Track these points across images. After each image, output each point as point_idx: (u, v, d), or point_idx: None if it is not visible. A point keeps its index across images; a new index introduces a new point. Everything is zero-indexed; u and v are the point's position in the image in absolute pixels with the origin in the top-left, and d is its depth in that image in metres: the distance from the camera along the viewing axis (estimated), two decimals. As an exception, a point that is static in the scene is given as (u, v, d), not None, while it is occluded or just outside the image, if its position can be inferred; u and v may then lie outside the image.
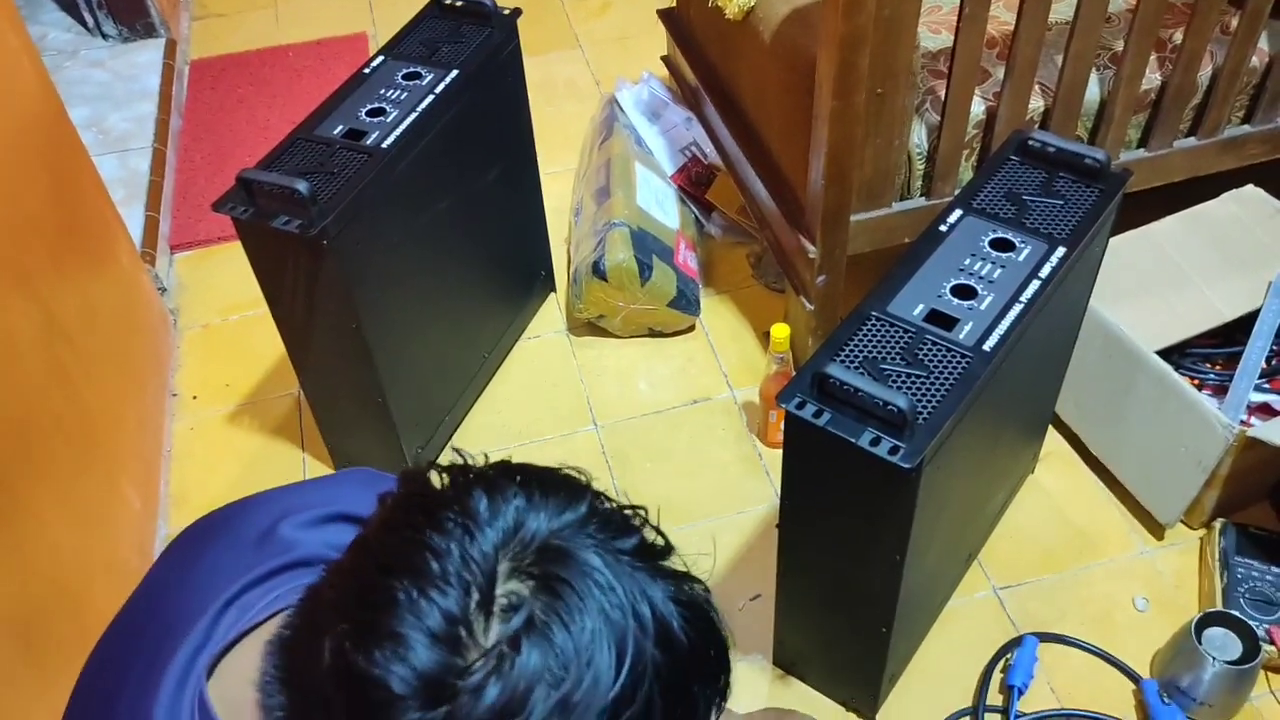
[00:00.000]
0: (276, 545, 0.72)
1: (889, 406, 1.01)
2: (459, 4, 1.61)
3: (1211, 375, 1.62)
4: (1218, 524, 1.52)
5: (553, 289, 2.00)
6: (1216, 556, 1.48)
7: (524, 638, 0.53)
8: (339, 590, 0.59)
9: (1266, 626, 1.40)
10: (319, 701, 0.57)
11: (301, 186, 1.28)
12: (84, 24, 2.59)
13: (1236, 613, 1.39)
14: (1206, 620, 1.38)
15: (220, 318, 2.03)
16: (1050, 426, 1.67)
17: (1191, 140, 1.70)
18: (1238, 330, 1.61)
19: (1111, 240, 1.39)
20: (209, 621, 0.67)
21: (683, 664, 0.58)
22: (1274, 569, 1.46)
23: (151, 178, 2.21)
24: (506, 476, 0.59)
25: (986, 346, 1.12)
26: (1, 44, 1.52)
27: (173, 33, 2.62)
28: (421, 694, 0.53)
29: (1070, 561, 1.56)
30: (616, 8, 2.73)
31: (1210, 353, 1.64)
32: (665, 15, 2.11)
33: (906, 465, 1.00)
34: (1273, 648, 1.38)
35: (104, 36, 2.59)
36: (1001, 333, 1.13)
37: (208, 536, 0.75)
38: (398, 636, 0.53)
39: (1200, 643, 1.35)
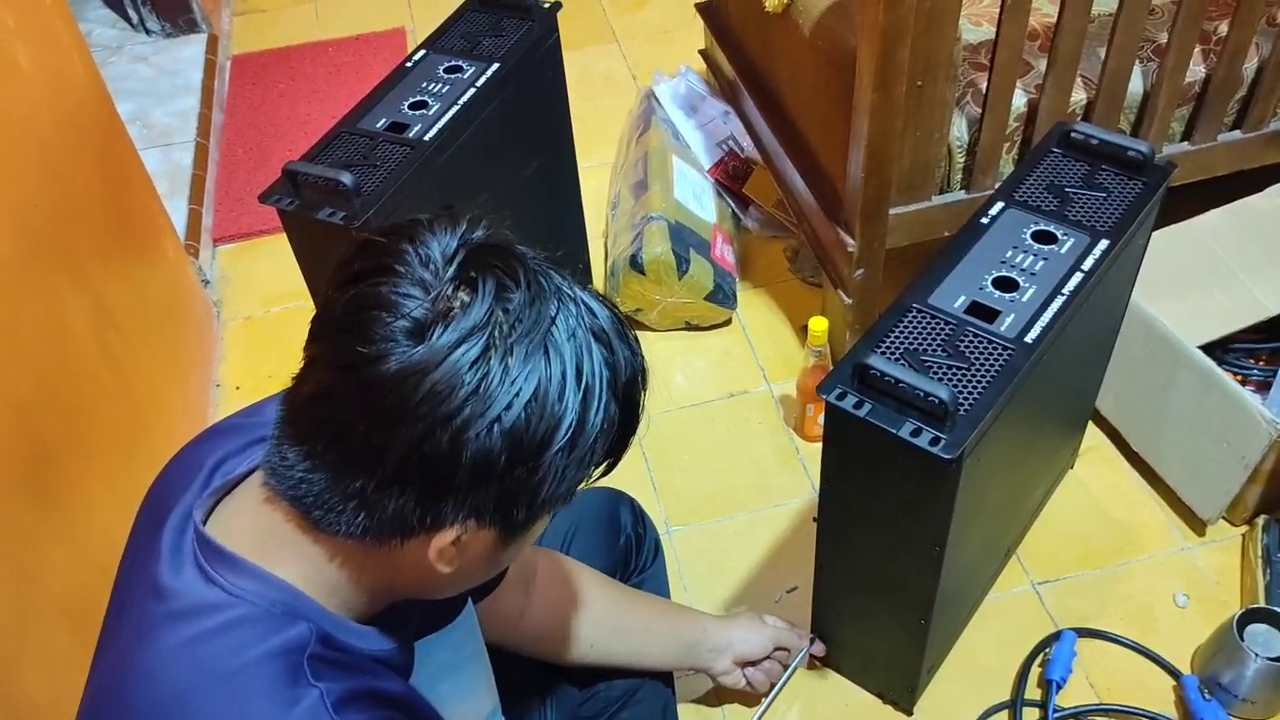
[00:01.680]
0: (258, 422, 0.81)
1: (930, 398, 1.01)
2: (500, -2, 1.62)
3: (1255, 371, 1.61)
4: (1260, 520, 1.50)
5: (590, 282, 2.01)
6: (1259, 553, 1.47)
7: (482, 286, 0.66)
8: (320, 334, 0.69)
9: (1310, 624, 1.39)
10: (328, 401, 0.67)
11: (345, 179, 1.29)
12: (128, 20, 2.63)
13: (1279, 609, 1.38)
14: (1248, 616, 1.37)
15: (262, 310, 2.06)
16: (1090, 421, 1.66)
17: (1236, 134, 1.68)
18: (1283, 325, 1.59)
19: (1154, 234, 1.37)
20: (199, 485, 0.76)
21: (606, 332, 0.71)
22: (1318, 566, 1.45)
23: (194, 171, 2.24)
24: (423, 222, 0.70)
25: (1028, 339, 1.11)
26: (55, 42, 1.55)
27: (215, 28, 2.66)
28: (407, 334, 0.64)
29: (1110, 557, 1.56)
30: (654, 2, 2.73)
31: (1254, 348, 1.63)
32: (703, 9, 2.12)
33: (947, 456, 1.00)
34: (1316, 645, 1.37)
35: (147, 32, 2.63)
36: (1043, 325, 1.13)
37: (201, 438, 0.85)
38: (380, 302, 0.64)
39: (1242, 639, 1.34)
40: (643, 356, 0.75)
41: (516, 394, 0.65)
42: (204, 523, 0.74)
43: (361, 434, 0.66)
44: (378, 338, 0.64)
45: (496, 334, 0.65)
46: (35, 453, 1.24)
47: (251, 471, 0.77)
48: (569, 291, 0.70)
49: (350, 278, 0.68)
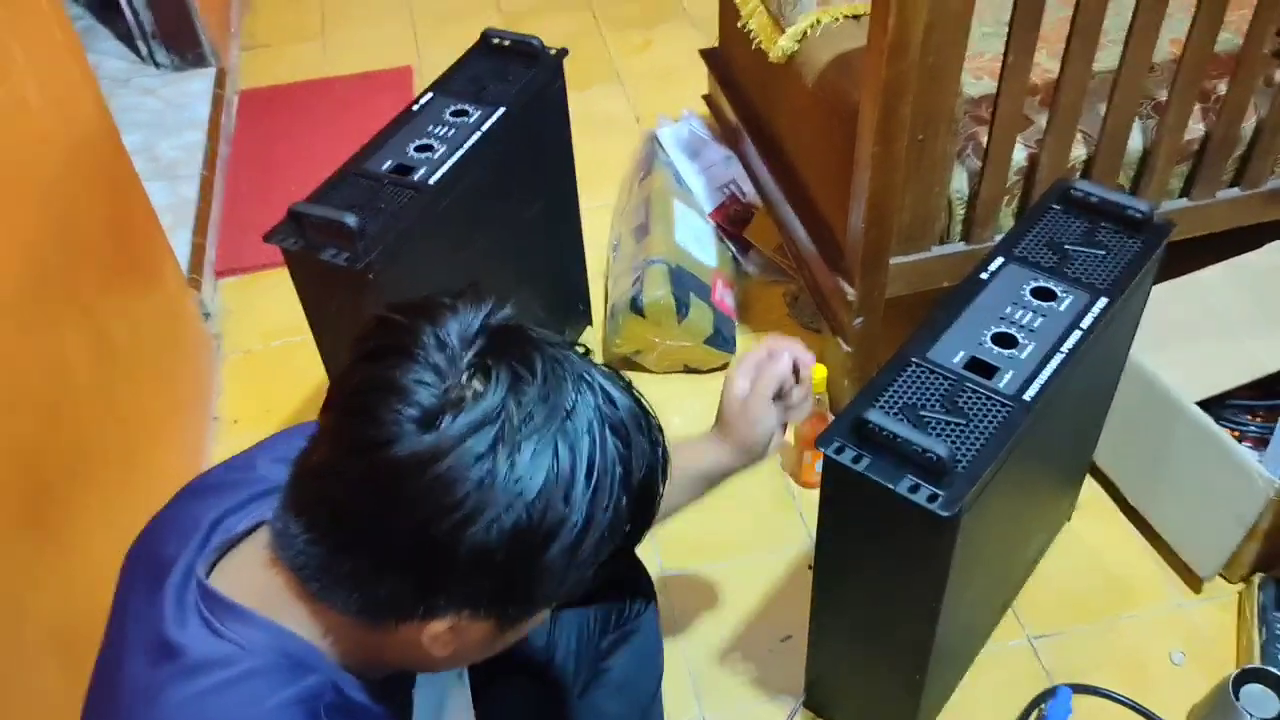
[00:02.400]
0: (252, 478, 0.81)
1: (928, 454, 1.02)
2: (507, 43, 1.63)
3: (1252, 427, 1.61)
4: (1257, 578, 1.50)
5: (589, 323, 2.02)
6: (1255, 612, 1.47)
7: (496, 376, 0.65)
8: (332, 407, 0.69)
9: (1306, 685, 1.38)
10: (332, 477, 0.67)
11: (350, 220, 1.30)
12: (137, 53, 2.65)
13: (1275, 670, 1.37)
14: (1244, 677, 1.36)
15: (262, 344, 2.06)
16: (1088, 474, 1.66)
17: (1235, 191, 1.69)
18: (1279, 382, 1.59)
19: (1152, 289, 1.38)
20: (198, 542, 0.75)
21: (625, 426, 0.69)
22: (1314, 626, 1.45)
23: (199, 204, 2.25)
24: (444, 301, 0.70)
25: (1027, 396, 1.12)
26: (64, 75, 1.57)
27: (223, 63, 2.68)
28: (416, 422, 0.63)
29: (1106, 612, 1.55)
30: (659, 45, 2.76)
31: (1251, 404, 1.63)
32: (708, 55, 2.14)
33: (945, 513, 1.00)
34: (1312, 707, 1.36)
35: (156, 65, 2.65)
36: (1042, 382, 1.13)
37: (187, 493, 0.84)
38: (391, 386, 0.64)
39: (1238, 699, 1.33)
40: (664, 446, 0.73)
41: (520, 492, 0.63)
42: (206, 579, 0.74)
43: (360, 516, 0.66)
44: (386, 422, 0.63)
45: (506, 427, 0.64)
46: (33, 484, 1.24)
47: (253, 528, 0.77)
48: (589, 380, 0.68)
49: (366, 354, 0.67)
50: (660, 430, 0.73)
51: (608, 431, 0.67)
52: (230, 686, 0.69)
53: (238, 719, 0.69)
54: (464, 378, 0.65)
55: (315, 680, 0.71)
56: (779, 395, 1.10)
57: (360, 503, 0.65)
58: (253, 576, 0.73)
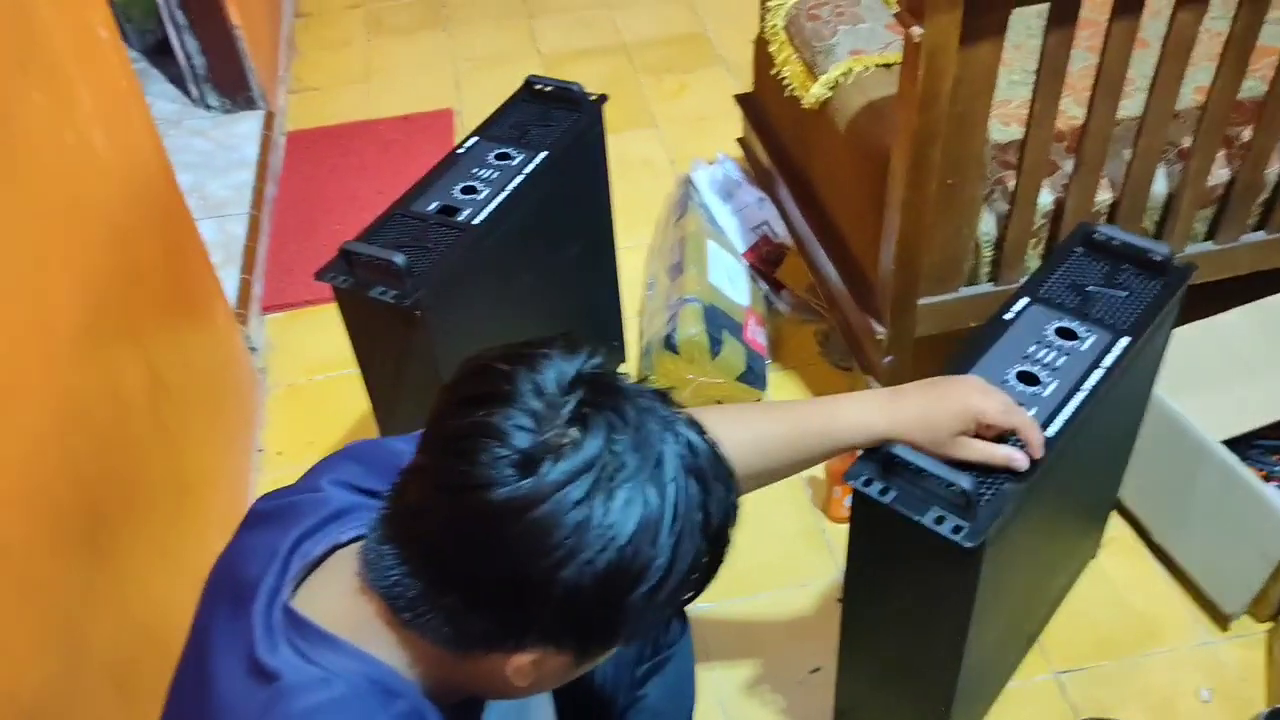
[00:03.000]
0: (320, 500, 0.84)
1: (953, 487, 1.05)
2: (549, 89, 1.70)
3: (1278, 467, 1.63)
4: (1284, 617, 1.52)
5: (623, 359, 2.07)
6: (1283, 650, 1.48)
7: (592, 424, 0.69)
8: (430, 448, 0.73)
9: (1334, 724, 1.39)
10: (429, 516, 0.70)
11: (399, 259, 1.36)
12: (189, 96, 2.75)
13: (1302, 709, 1.38)
14: (1274, 717, 1.37)
15: (306, 377, 2.13)
16: (1114, 512, 1.68)
17: (1260, 234, 1.72)
18: (1305, 423, 1.61)
19: (1176, 331, 1.41)
20: (279, 567, 0.78)
21: (705, 472, 0.73)
22: (1342, 665, 1.46)
23: (247, 242, 2.33)
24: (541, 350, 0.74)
25: (1050, 433, 1.15)
26: (128, 120, 1.65)
27: (271, 105, 2.77)
28: (515, 466, 0.67)
29: (1132, 648, 1.57)
30: (693, 90, 2.83)
31: (1277, 445, 1.65)
32: (742, 100, 2.20)
33: (969, 544, 1.03)
34: (1340, 746, 1.37)
35: (207, 108, 2.74)
36: (1064, 420, 1.16)
37: (259, 516, 0.88)
38: (491, 430, 0.68)
39: (1265, 737, 1.34)
40: (737, 492, 0.77)
41: (613, 537, 0.67)
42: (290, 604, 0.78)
43: (457, 555, 0.69)
44: (485, 465, 0.67)
45: (602, 475, 0.67)
46: (91, 515, 1.28)
47: (331, 550, 0.81)
48: (674, 429, 0.72)
49: (465, 399, 0.71)
50: (732, 475, 0.77)
51: (690, 479, 0.72)
52: (323, 712, 0.72)
53: None
54: (561, 424, 0.69)
55: (404, 706, 0.74)
56: (978, 434, 1.08)
57: (458, 542, 0.69)
58: (339, 602, 0.76)
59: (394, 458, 0.88)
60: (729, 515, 0.76)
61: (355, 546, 0.82)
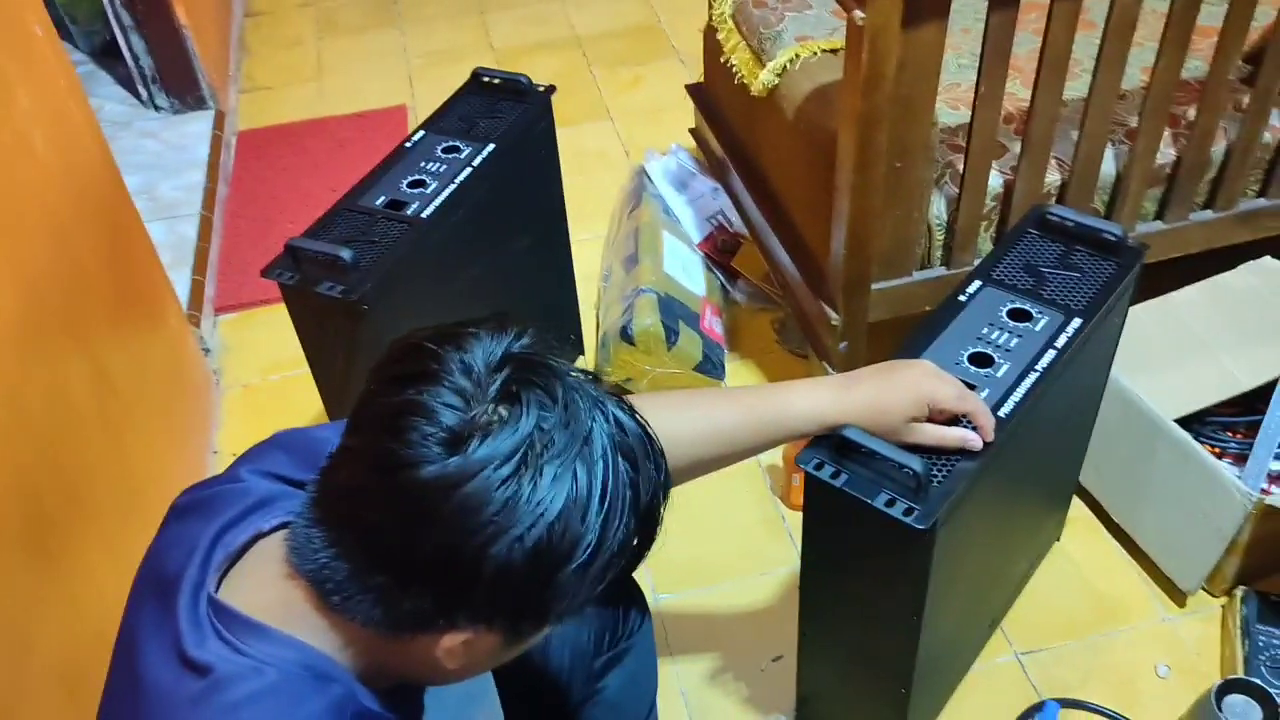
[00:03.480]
0: (241, 491, 0.83)
1: (904, 469, 1.05)
2: (496, 81, 1.68)
3: (1232, 444, 1.64)
4: (1239, 592, 1.53)
5: (581, 353, 2.06)
6: (1238, 624, 1.49)
7: (521, 402, 0.69)
8: (359, 429, 0.72)
9: (1289, 695, 1.40)
10: (359, 496, 0.70)
11: (345, 254, 1.34)
12: (138, 97, 2.71)
13: (1258, 680, 1.39)
14: (1227, 687, 1.38)
15: (260, 378, 2.10)
16: (1074, 494, 1.69)
17: (1208, 213, 1.74)
18: (1258, 399, 1.63)
19: (1131, 310, 1.42)
20: (201, 559, 0.77)
21: (634, 451, 0.73)
22: (1296, 637, 1.47)
23: (198, 243, 2.30)
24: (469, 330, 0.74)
25: (1002, 413, 1.15)
26: (68, 119, 1.61)
27: (221, 105, 2.74)
28: (443, 444, 0.66)
29: (1093, 628, 1.58)
30: (647, 82, 2.82)
31: (1230, 421, 1.66)
32: (693, 90, 2.19)
33: (920, 526, 1.03)
34: (1295, 716, 1.38)
35: (156, 108, 2.70)
36: (1017, 400, 1.16)
37: (179, 511, 0.87)
38: (419, 409, 0.67)
39: (1221, 709, 1.35)
40: (668, 473, 0.77)
41: (542, 514, 0.67)
42: (216, 595, 0.76)
43: (387, 534, 0.69)
44: (414, 443, 0.67)
45: (530, 453, 0.67)
46: (35, 517, 1.26)
47: (254, 539, 0.80)
48: (603, 407, 0.72)
49: (394, 378, 0.71)
50: (663, 455, 0.76)
51: (619, 457, 0.71)
52: (258, 700, 0.71)
53: None
54: (489, 403, 0.68)
55: (338, 690, 0.74)
56: (931, 418, 1.08)
57: (387, 521, 0.69)
58: (266, 590, 0.75)
59: (318, 445, 0.86)
60: (659, 494, 0.76)
61: (279, 534, 0.81)
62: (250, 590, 0.77)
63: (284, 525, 0.80)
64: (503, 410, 0.68)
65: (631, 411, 0.75)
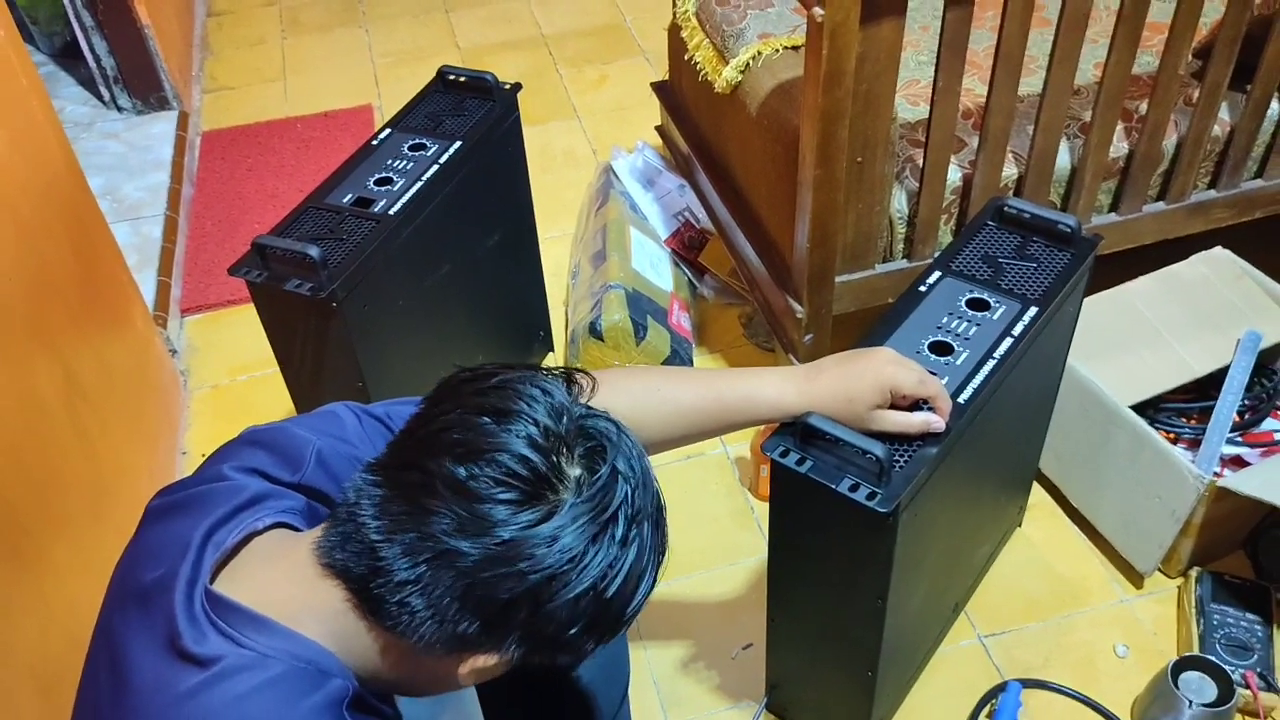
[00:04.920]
0: (228, 489, 0.84)
1: (867, 455, 1.07)
2: (463, 79, 1.69)
3: (1186, 429, 1.68)
4: (1194, 573, 1.57)
5: (551, 349, 2.07)
6: (1193, 604, 1.53)
7: (606, 456, 0.75)
8: (431, 449, 0.75)
9: (1242, 671, 1.44)
10: (436, 524, 0.72)
11: (313, 251, 1.35)
12: (100, 98, 2.69)
13: (1213, 658, 1.43)
14: (1182, 665, 1.42)
15: (228, 378, 2.10)
16: (1034, 480, 1.72)
17: (1160, 205, 1.78)
18: (1211, 385, 1.67)
19: (1087, 300, 1.45)
20: (194, 557, 0.78)
21: (662, 521, 0.82)
22: (1249, 615, 1.51)
23: (164, 244, 2.29)
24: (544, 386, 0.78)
25: (961, 399, 1.18)
26: (30, 119, 1.61)
27: (185, 105, 2.72)
28: (526, 490, 0.71)
29: (1054, 610, 1.61)
30: (613, 81, 2.83)
31: (1184, 407, 1.71)
32: (659, 88, 2.21)
33: (883, 510, 1.05)
34: (1248, 691, 1.42)
35: (119, 109, 2.69)
36: (975, 387, 1.19)
37: (158, 513, 0.87)
38: (502, 446, 0.72)
39: (1177, 686, 1.39)
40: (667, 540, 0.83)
41: (621, 569, 0.74)
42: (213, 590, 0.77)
43: (462, 565, 0.72)
44: (489, 499, 0.71)
45: (619, 513, 0.74)
46: (4, 521, 1.26)
47: (248, 538, 0.80)
48: (653, 478, 0.79)
49: (476, 408, 0.74)
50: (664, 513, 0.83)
51: (653, 526, 0.79)
52: (259, 692, 0.73)
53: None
54: (573, 455, 0.74)
55: (336, 684, 0.76)
56: (894, 404, 1.10)
57: (461, 552, 0.72)
58: (279, 587, 0.77)
59: (297, 442, 0.88)
60: (663, 557, 0.83)
61: (280, 533, 0.82)
62: (257, 585, 0.77)
63: (280, 524, 0.82)
64: (587, 464, 0.74)
65: (654, 478, 0.81)
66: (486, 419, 0.73)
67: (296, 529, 0.84)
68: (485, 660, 0.76)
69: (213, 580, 0.78)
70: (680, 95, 2.12)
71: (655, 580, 0.79)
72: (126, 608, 0.80)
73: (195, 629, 0.74)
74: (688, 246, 2.15)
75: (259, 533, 0.82)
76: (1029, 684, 1.50)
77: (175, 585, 0.77)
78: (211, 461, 0.90)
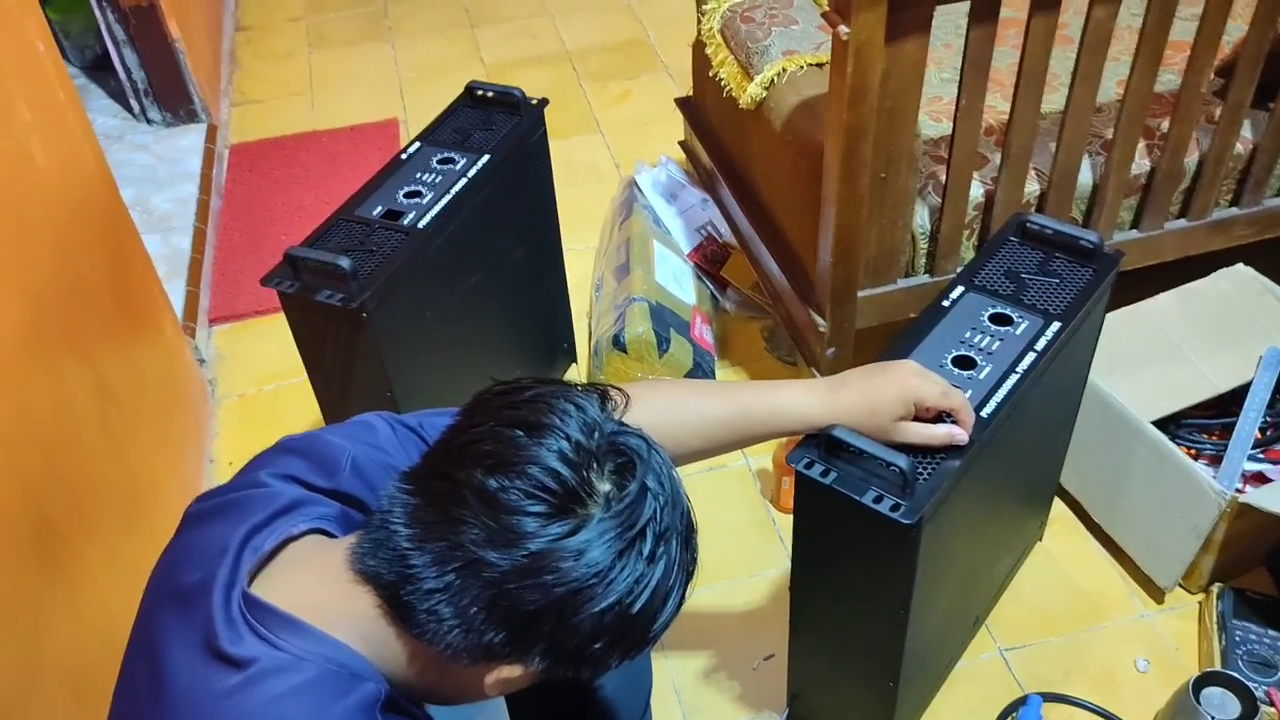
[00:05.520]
0: (266, 495, 0.85)
1: (891, 467, 1.08)
2: (490, 94, 1.72)
3: (1208, 445, 1.69)
4: (1215, 588, 1.57)
5: (574, 360, 2.09)
6: (1215, 620, 1.54)
7: (635, 472, 0.76)
8: (465, 460, 0.76)
9: (1266, 688, 1.44)
10: (467, 535, 0.73)
11: (344, 263, 1.37)
12: (130, 110, 2.73)
13: (1235, 674, 1.43)
14: (1204, 680, 1.42)
15: (255, 388, 2.12)
16: (1055, 495, 1.73)
17: (1182, 222, 1.78)
18: (1232, 402, 1.67)
19: (1109, 316, 1.46)
20: (232, 560, 0.80)
21: (694, 539, 0.83)
22: (1271, 632, 1.51)
23: (192, 255, 2.32)
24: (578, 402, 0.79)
25: (984, 413, 1.19)
26: (67, 132, 1.64)
27: (214, 118, 2.76)
28: (550, 516, 0.72)
29: (1074, 624, 1.62)
30: (636, 96, 2.86)
31: (1206, 423, 1.71)
32: (682, 103, 2.23)
33: (907, 521, 1.07)
34: (1272, 709, 1.42)
35: (149, 122, 2.73)
36: (998, 401, 1.20)
37: (197, 518, 0.88)
38: (534, 459, 0.73)
39: (1199, 702, 1.39)
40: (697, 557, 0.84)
41: (647, 585, 0.75)
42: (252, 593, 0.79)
43: (490, 576, 0.73)
44: (525, 495, 0.72)
45: (647, 528, 0.75)
46: (41, 525, 1.28)
47: (284, 543, 0.82)
48: (683, 495, 0.80)
49: (509, 421, 0.76)
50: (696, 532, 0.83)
51: (682, 545, 0.79)
52: (294, 694, 0.74)
53: None
54: (603, 470, 0.75)
55: (370, 687, 0.77)
56: (917, 416, 1.11)
57: (491, 563, 0.73)
58: (315, 590, 0.79)
59: (333, 450, 0.89)
60: (691, 576, 0.83)
61: (315, 539, 0.84)
62: (292, 589, 0.79)
63: (316, 530, 0.83)
64: (617, 480, 0.75)
65: (685, 495, 0.82)
66: (519, 432, 0.75)
67: (332, 535, 0.86)
68: (510, 671, 0.77)
69: (250, 584, 0.80)
70: (704, 110, 2.14)
71: (684, 598, 0.80)
72: (165, 609, 0.82)
73: (232, 630, 0.76)
74: (710, 260, 2.17)
75: (295, 538, 0.83)
76: (1050, 698, 1.51)
77: (213, 588, 0.78)
78: (249, 469, 0.92)
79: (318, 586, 0.79)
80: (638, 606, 0.75)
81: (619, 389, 0.84)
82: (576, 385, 0.81)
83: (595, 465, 0.75)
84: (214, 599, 0.78)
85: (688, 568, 0.80)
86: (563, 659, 0.77)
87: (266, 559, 0.82)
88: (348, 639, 0.77)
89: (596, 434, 0.76)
